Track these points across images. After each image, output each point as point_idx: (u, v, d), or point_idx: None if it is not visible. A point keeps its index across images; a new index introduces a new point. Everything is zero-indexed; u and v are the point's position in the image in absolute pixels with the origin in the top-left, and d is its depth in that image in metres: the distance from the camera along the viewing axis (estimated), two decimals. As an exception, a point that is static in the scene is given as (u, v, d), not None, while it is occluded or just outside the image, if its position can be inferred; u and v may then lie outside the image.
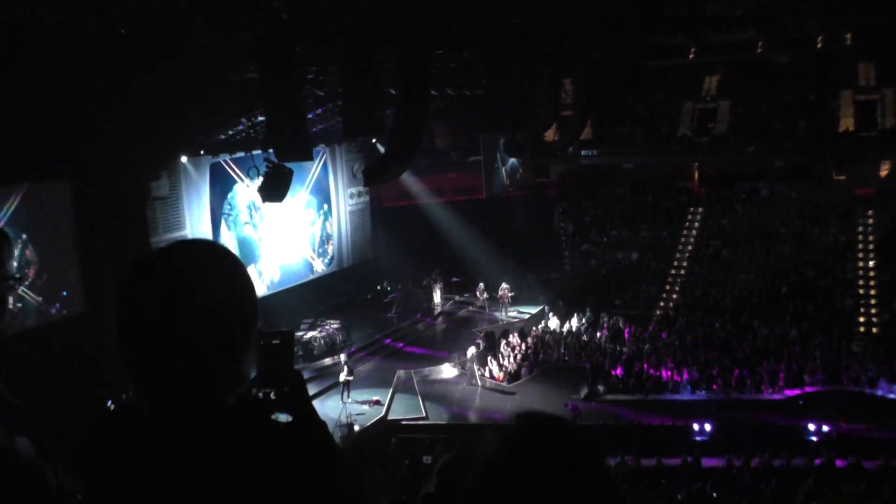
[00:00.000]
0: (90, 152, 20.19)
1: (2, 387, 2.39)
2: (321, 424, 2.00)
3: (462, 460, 1.44)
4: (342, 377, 22.90)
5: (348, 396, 22.85)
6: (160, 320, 1.68)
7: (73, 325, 21.21)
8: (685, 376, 24.26)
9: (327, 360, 25.97)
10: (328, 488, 1.81)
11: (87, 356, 20.30)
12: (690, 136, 36.83)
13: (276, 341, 1.98)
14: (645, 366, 25.33)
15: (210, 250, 1.82)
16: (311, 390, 22.82)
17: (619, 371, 25.12)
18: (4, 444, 2.09)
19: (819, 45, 34.87)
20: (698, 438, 21.44)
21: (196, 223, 25.44)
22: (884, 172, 33.64)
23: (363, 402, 22.91)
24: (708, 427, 21.64)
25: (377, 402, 23.14)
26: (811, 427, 21.48)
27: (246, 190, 27.27)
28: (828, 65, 35.44)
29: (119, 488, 1.70)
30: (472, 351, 25.23)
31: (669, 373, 24.62)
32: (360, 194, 33.62)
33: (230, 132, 24.91)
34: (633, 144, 37.11)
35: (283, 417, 1.90)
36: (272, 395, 1.93)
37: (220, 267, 1.77)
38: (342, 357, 24.40)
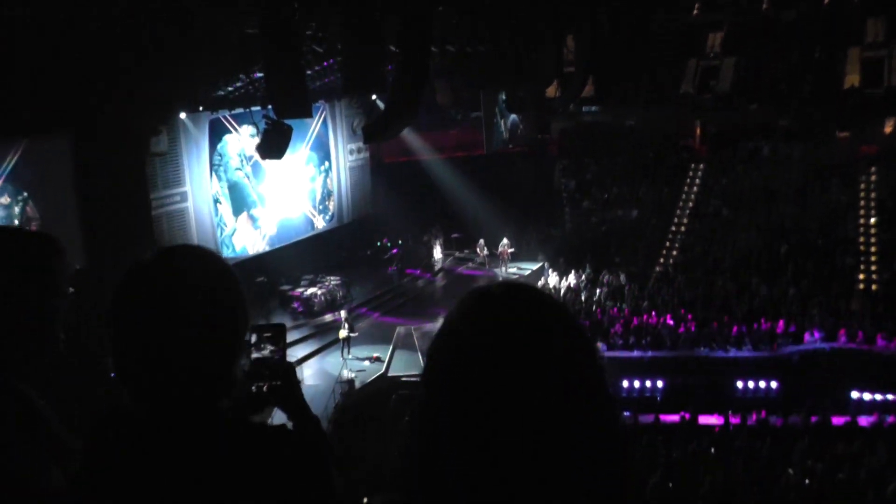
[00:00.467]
0: (89, 107, 20.07)
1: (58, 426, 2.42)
2: (315, 422, 2.01)
3: None
4: (342, 333, 23.05)
5: (348, 353, 23.01)
6: (155, 327, 1.69)
7: (72, 280, 21.27)
8: (682, 332, 24.38)
9: (327, 317, 26.10)
10: (324, 489, 1.83)
11: (86, 312, 20.39)
12: (693, 94, 36.56)
13: (268, 334, 1.98)
14: (644, 321, 25.46)
15: (202, 257, 1.82)
16: (312, 347, 23.18)
17: (618, 328, 25.22)
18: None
19: (826, 2, 34.43)
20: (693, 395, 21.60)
21: (196, 179, 25.36)
22: (888, 130, 33.40)
23: (363, 359, 23.07)
24: (705, 384, 21.83)
25: (377, 359, 23.30)
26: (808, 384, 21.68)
27: (237, 140, 27.11)
28: (835, 21, 35.00)
29: (118, 490, 1.71)
30: None
31: (668, 330, 24.74)
32: (360, 150, 33.46)
33: (229, 88, 24.75)
34: (635, 101, 36.82)
35: (279, 416, 1.91)
36: (264, 389, 1.94)
37: (212, 273, 1.78)
38: (342, 313, 24.51)
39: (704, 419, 19.67)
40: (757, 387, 21.83)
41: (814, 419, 19.54)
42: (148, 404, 1.73)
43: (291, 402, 2.00)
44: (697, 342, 24.24)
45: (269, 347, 1.99)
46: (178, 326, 1.68)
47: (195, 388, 1.71)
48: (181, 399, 1.71)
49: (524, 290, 1.35)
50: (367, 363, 23.04)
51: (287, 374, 2.00)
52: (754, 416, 19.64)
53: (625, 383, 21.86)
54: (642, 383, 21.94)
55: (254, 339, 1.97)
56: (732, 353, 23.86)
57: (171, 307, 1.69)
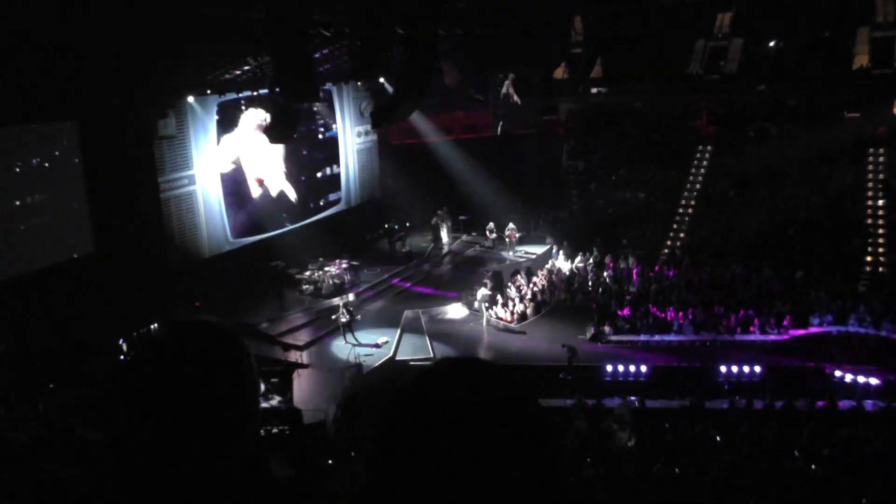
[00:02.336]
0: (98, 91, 20.15)
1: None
2: (318, 472, 2.05)
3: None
4: (341, 319, 23.19)
5: (353, 338, 23.12)
6: (168, 405, 1.74)
7: (82, 265, 21.39)
8: (689, 317, 24.42)
9: (336, 300, 26.20)
10: None
11: (96, 296, 20.55)
12: (701, 75, 36.40)
13: (275, 380, 2.00)
14: (651, 306, 25.51)
15: (212, 333, 1.86)
16: (320, 331, 23.27)
17: (625, 311, 25.27)
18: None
19: (837, -20, 34.20)
20: (703, 380, 21.68)
21: (203, 162, 25.42)
22: (896, 110, 33.24)
23: (365, 345, 23.08)
24: (714, 368, 21.90)
25: (383, 343, 23.34)
26: (815, 368, 21.74)
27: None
28: (844, 1, 34.78)
29: None
30: (481, 292, 25.34)
31: (675, 314, 24.78)
32: (367, 133, 33.46)
33: (237, 72, 24.76)
34: (642, 83, 36.69)
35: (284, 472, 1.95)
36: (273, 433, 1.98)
37: (222, 350, 1.82)
38: (350, 297, 24.61)
39: (710, 403, 19.72)
40: (764, 371, 21.82)
41: (820, 403, 19.60)
42: (159, 467, 1.77)
43: (297, 450, 2.04)
44: (703, 326, 24.27)
45: (277, 398, 2.03)
46: (190, 403, 1.74)
47: (205, 451, 1.75)
48: (189, 457, 1.75)
49: (468, 379, 1.39)
50: (374, 348, 23.11)
51: (294, 423, 2.04)
52: (761, 401, 19.69)
53: (631, 367, 21.92)
54: (648, 367, 21.98)
55: (262, 387, 2.00)
56: (738, 336, 23.88)
57: (183, 386, 1.74)
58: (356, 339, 23.13)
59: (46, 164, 21.14)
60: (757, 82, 34.48)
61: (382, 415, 1.40)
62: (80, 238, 21.77)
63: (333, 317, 23.62)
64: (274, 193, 28.91)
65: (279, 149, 28.28)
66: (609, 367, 21.98)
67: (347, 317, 23.16)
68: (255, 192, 28.13)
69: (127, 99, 21.07)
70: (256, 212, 28.18)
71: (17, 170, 20.51)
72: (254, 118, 26.87)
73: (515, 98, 34.28)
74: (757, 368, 21.76)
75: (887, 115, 32.96)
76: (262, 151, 27.54)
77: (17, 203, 20.36)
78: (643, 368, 21.86)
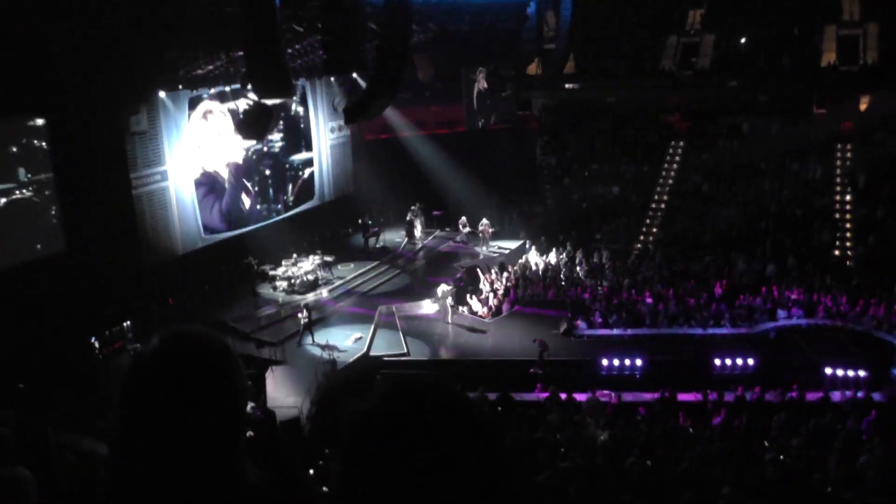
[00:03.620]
0: (68, 85, 19.90)
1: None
2: (294, 479, 2.08)
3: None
4: (302, 320, 23.15)
5: (312, 340, 23.01)
6: (162, 414, 1.76)
7: (53, 262, 21.15)
8: (662, 309, 24.62)
9: (309, 296, 26.16)
10: None
11: (67, 294, 20.36)
12: (673, 70, 36.71)
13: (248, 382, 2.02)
14: (624, 299, 25.71)
15: (204, 342, 1.88)
16: (292, 328, 23.17)
17: (598, 306, 25.42)
18: None
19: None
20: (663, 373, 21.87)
21: (176, 158, 25.23)
22: (863, 107, 33.72)
23: (325, 347, 22.82)
24: (683, 361, 22.10)
25: (356, 340, 23.31)
26: (784, 360, 22.03)
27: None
28: (813, -1, 35.35)
29: None
30: (442, 288, 25.35)
31: (648, 307, 24.99)
32: (340, 128, 33.34)
33: (209, 67, 24.60)
34: (616, 78, 36.94)
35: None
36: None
37: (214, 358, 1.85)
38: (323, 293, 24.53)
39: (683, 396, 19.91)
40: (734, 364, 22.06)
41: (790, 395, 19.85)
42: (154, 472, 1.80)
43: (270, 455, 2.07)
44: (676, 320, 24.48)
45: (250, 405, 2.06)
46: (183, 412, 1.76)
47: (200, 461, 1.79)
48: (187, 468, 1.79)
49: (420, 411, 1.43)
50: (348, 343, 23.08)
51: (268, 427, 2.08)
52: (732, 393, 19.91)
53: (604, 361, 22.08)
54: (622, 361, 22.13)
55: None
56: (711, 330, 24.12)
57: (176, 396, 1.77)
58: (313, 340, 23.00)
59: (15, 160, 20.87)
60: (728, 78, 34.84)
61: (345, 437, 1.45)
62: (51, 235, 21.56)
63: (299, 315, 23.52)
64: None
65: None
66: (604, 362, 22.12)
67: (307, 318, 23.11)
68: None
69: (98, 94, 20.86)
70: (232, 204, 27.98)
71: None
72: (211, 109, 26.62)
73: (487, 91, 34.33)
74: (750, 361, 22.00)
75: (854, 111, 33.43)
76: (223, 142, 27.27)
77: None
78: (638, 362, 22.02)
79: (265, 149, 29.40)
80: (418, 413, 1.41)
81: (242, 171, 28.49)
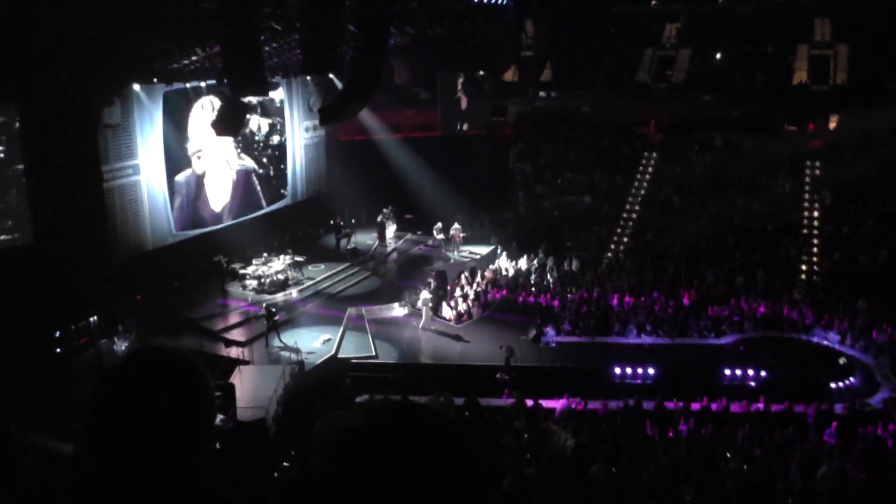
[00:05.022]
0: (40, 74, 19.62)
1: None
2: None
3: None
4: (266, 322, 22.99)
5: (279, 340, 22.85)
6: (128, 431, 1.79)
7: (19, 254, 20.86)
8: (631, 322, 24.77)
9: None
10: None
11: (33, 287, 20.10)
12: (649, 83, 37.02)
13: (219, 393, 2.05)
14: (593, 308, 25.85)
15: (170, 360, 1.91)
16: (261, 328, 23.03)
17: (567, 313, 25.54)
18: None
19: (779, -1, 35.27)
20: (640, 382, 22.02)
21: (148, 152, 25.04)
22: (833, 126, 34.25)
23: (290, 348, 22.66)
24: (651, 371, 22.26)
25: (325, 342, 23.21)
26: (750, 372, 22.25)
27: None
28: (787, 19, 35.86)
29: None
30: (423, 294, 25.33)
31: (616, 316, 25.16)
32: (315, 128, 33.30)
33: (185, 61, 24.42)
34: (592, 88, 37.17)
35: None
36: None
37: (179, 376, 1.88)
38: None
39: (648, 405, 20.03)
40: (708, 373, 22.25)
41: (754, 407, 20.07)
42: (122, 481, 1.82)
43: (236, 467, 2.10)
44: (643, 329, 24.63)
45: (220, 416, 2.08)
46: (149, 428, 1.79)
47: (163, 476, 1.82)
48: (151, 481, 1.81)
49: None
50: (316, 345, 22.97)
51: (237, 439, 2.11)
52: (698, 403, 20.08)
53: (635, 369, 22.23)
54: (603, 369, 22.24)
55: None
56: (679, 340, 24.31)
57: (142, 413, 1.80)
58: (280, 341, 22.87)
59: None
60: (703, 93, 35.22)
61: (327, 452, 1.47)
62: (18, 226, 21.26)
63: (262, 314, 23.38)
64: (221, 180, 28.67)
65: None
66: (618, 370, 22.23)
67: (272, 319, 22.96)
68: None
69: (71, 84, 20.59)
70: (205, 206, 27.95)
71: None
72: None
73: (463, 98, 34.38)
74: (750, 371, 22.20)
75: (824, 129, 33.95)
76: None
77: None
78: (651, 371, 22.15)
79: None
80: (408, 436, 1.44)
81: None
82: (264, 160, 31.39)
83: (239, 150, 29.64)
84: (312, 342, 23.06)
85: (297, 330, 23.77)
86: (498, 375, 21.65)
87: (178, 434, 1.81)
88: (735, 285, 27.17)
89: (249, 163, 30.32)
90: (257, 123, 30.57)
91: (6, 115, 20.86)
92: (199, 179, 27.63)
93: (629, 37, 38.31)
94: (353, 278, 29.03)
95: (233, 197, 29.49)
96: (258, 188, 30.91)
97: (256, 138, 30.87)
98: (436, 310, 25.56)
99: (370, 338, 23.78)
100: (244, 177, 30.13)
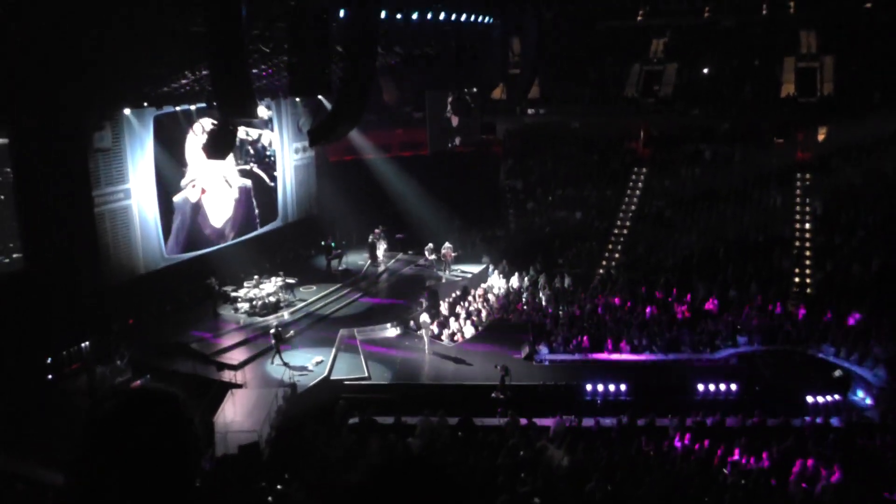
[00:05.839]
0: (31, 99, 19.60)
1: None
2: None
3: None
4: (271, 341, 22.99)
5: (280, 360, 22.80)
6: (117, 471, 1.80)
7: (10, 279, 20.73)
8: (624, 343, 24.71)
9: (271, 318, 25.94)
10: None
11: (24, 312, 19.99)
12: (637, 98, 37.22)
13: None
14: (586, 324, 25.83)
15: (155, 404, 1.92)
16: (253, 350, 22.94)
17: (560, 331, 25.49)
18: None
19: (764, 12, 35.50)
20: (627, 399, 21.95)
21: (139, 176, 25.00)
22: (821, 137, 34.43)
23: (294, 367, 22.76)
24: (623, 387, 22.19)
25: (317, 364, 23.08)
26: (722, 387, 22.21)
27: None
28: (772, 31, 36.15)
29: None
30: (424, 318, 25.16)
31: (609, 332, 25.15)
32: (305, 149, 33.31)
33: (175, 85, 24.43)
34: (580, 104, 37.36)
35: None
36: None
37: (164, 421, 1.89)
38: (273, 321, 24.19)
39: (642, 421, 19.96)
40: (703, 388, 22.20)
41: (751, 421, 20.02)
42: None
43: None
44: (637, 348, 24.60)
45: None
46: (135, 470, 1.82)
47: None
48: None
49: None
50: (310, 366, 22.85)
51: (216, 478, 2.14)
52: (692, 418, 20.01)
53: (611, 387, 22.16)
54: (594, 387, 22.13)
55: None
56: (672, 356, 24.29)
57: (127, 455, 1.83)
58: (283, 361, 22.80)
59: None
60: (691, 106, 35.42)
61: None
62: (8, 251, 21.14)
63: (272, 331, 23.33)
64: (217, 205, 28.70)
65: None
66: (589, 387, 22.14)
67: (280, 339, 22.90)
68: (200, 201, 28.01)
69: (61, 108, 20.58)
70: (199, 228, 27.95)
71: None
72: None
73: (454, 117, 34.49)
74: (733, 387, 22.15)
75: (812, 141, 34.13)
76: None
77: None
78: (600, 388, 22.06)
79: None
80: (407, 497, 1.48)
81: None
82: (275, 173, 31.88)
83: (250, 164, 30.07)
84: (305, 364, 22.94)
85: (290, 352, 23.62)
86: (494, 395, 21.57)
87: (162, 475, 1.84)
88: (728, 298, 27.20)
89: (248, 182, 30.40)
90: (269, 140, 31.11)
91: (-2, 141, 20.80)
92: (197, 204, 27.67)
93: (616, 52, 38.56)
94: (345, 299, 28.91)
95: (234, 214, 29.61)
96: (256, 209, 30.95)
97: (268, 153, 31.33)
98: (435, 333, 25.43)
99: (362, 359, 23.68)
100: (245, 195, 30.20)
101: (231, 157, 27.36)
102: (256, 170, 30.64)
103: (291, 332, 24.27)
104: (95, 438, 1.85)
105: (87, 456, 1.83)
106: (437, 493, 1.50)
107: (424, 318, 25.02)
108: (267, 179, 31.40)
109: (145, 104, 24.72)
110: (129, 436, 1.82)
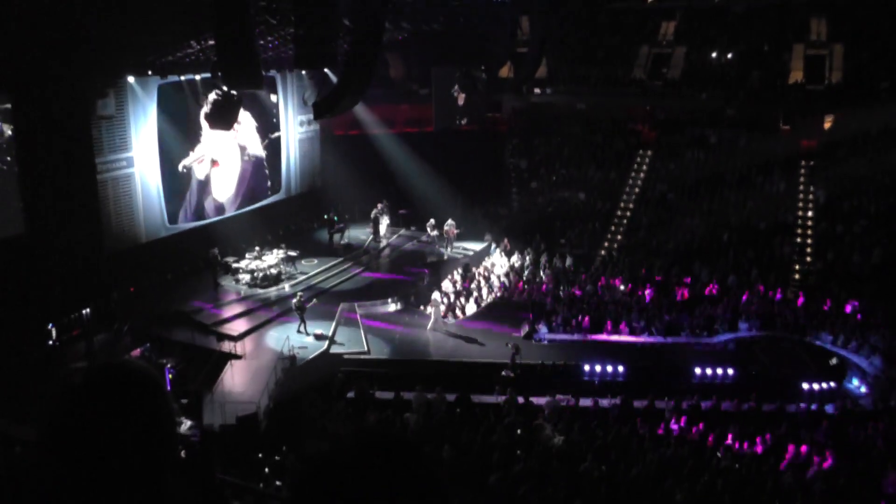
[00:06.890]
0: (34, 64, 19.53)
1: None
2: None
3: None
4: (295, 307, 23.14)
5: (305, 330, 22.97)
6: (89, 446, 1.80)
7: (11, 246, 20.74)
8: (623, 320, 24.79)
9: (272, 290, 25.98)
10: None
11: (25, 279, 20.03)
12: (644, 80, 37.06)
13: (185, 401, 2.07)
14: (586, 305, 25.87)
15: (127, 376, 1.92)
16: (254, 321, 23.03)
17: (561, 310, 25.53)
18: None
19: (774, -2, 35.32)
20: (621, 380, 22.03)
21: (142, 144, 24.95)
22: (827, 125, 34.29)
23: (316, 335, 22.95)
24: (621, 369, 22.24)
25: (319, 336, 23.16)
26: (720, 371, 22.29)
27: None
28: (782, 17, 35.91)
29: None
30: (435, 297, 25.16)
31: (609, 313, 25.19)
32: (310, 122, 33.19)
33: (179, 54, 24.33)
34: (587, 85, 37.21)
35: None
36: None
37: (137, 392, 1.89)
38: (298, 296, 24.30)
39: (638, 403, 20.05)
40: (700, 372, 22.25)
41: (746, 405, 20.11)
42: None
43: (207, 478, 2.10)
44: (635, 330, 24.65)
45: (188, 422, 2.10)
46: (106, 443, 1.81)
47: (122, 485, 1.83)
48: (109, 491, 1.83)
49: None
50: (309, 339, 22.92)
51: (204, 447, 2.13)
52: (688, 402, 20.09)
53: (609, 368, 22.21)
54: (592, 367, 22.17)
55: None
56: (671, 339, 24.34)
57: (100, 428, 1.81)
58: (306, 331, 22.98)
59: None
60: (698, 90, 35.26)
61: (296, 480, 1.51)
62: (10, 218, 21.11)
63: (294, 301, 23.44)
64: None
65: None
66: (587, 367, 22.18)
67: (297, 306, 23.04)
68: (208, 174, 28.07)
69: (65, 75, 20.51)
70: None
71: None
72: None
73: (461, 94, 34.37)
74: (730, 371, 22.22)
75: (818, 129, 33.98)
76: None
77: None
78: (598, 368, 22.08)
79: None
80: (376, 468, 1.46)
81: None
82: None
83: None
84: (304, 338, 23.00)
85: (289, 325, 23.68)
86: (504, 373, 21.59)
87: (136, 448, 1.82)
88: (728, 283, 27.22)
89: (261, 151, 30.48)
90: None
91: (1, 107, 20.72)
92: (207, 177, 27.75)
93: (625, 34, 38.37)
94: (346, 273, 28.91)
95: (238, 186, 29.60)
96: (268, 180, 31.06)
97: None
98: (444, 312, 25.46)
99: (362, 333, 23.74)
100: (256, 165, 30.27)
101: (253, 126, 27.50)
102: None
103: (314, 300, 24.24)
104: (65, 410, 1.85)
105: (57, 426, 1.83)
106: (407, 475, 1.48)
107: (436, 296, 25.06)
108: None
109: (150, 73, 24.62)
110: (98, 409, 1.81)
